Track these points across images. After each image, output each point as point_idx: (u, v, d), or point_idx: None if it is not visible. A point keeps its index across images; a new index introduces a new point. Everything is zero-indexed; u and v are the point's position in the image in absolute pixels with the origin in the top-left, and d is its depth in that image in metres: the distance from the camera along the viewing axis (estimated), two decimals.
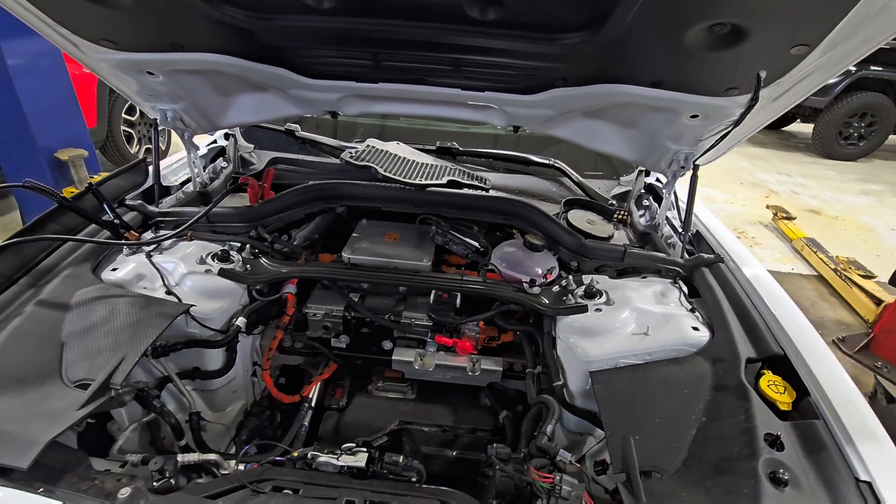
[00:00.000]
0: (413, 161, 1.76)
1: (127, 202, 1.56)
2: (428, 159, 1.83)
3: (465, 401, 1.64)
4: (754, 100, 1.15)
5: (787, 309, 1.27)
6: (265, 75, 1.34)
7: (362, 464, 1.04)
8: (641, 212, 1.83)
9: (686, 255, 1.54)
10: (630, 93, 1.23)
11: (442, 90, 1.37)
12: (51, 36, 1.24)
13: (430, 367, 1.50)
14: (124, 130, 4.75)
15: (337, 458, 1.05)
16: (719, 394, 1.09)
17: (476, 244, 1.57)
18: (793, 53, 0.99)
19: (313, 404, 1.60)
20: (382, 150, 1.77)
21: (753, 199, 5.54)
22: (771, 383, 1.10)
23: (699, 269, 1.45)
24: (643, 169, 1.92)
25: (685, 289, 1.42)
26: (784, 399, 1.07)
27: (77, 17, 1.14)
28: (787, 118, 8.06)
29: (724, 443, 0.99)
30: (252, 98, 1.53)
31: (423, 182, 1.62)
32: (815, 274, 4.02)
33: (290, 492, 0.97)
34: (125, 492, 0.92)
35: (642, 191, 1.92)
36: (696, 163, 1.48)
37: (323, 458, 1.05)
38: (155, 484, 0.97)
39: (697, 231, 1.67)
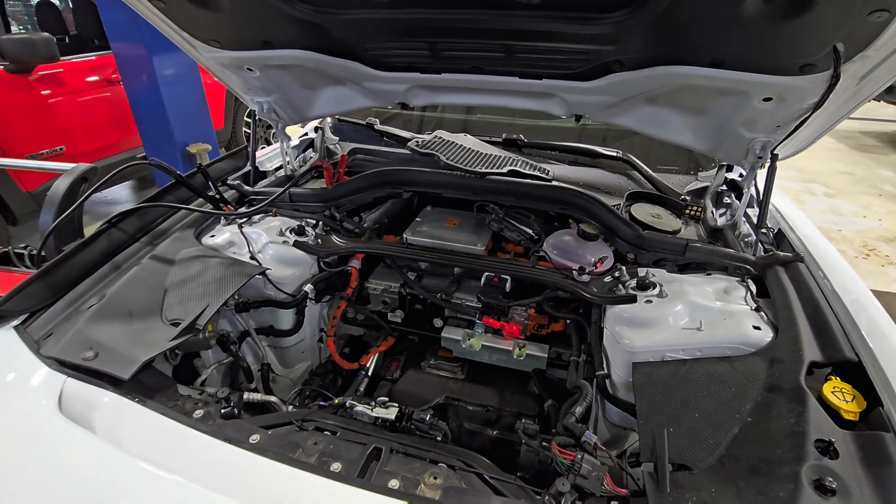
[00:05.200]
0: (477, 151, 1.82)
1: (228, 182, 1.82)
2: (493, 150, 1.88)
3: (512, 386, 1.66)
4: (835, 77, 1.04)
5: (872, 312, 1.12)
6: (340, 69, 1.49)
7: (392, 417, 1.13)
8: (722, 210, 1.70)
9: (762, 254, 1.42)
10: (690, 74, 1.18)
11: (500, 79, 1.41)
12: (177, 40, 1.50)
13: (476, 348, 1.54)
14: (245, 131, 5.43)
15: (371, 410, 1.14)
16: (771, 395, 1.00)
17: (530, 231, 1.59)
18: (871, 21, 0.89)
19: (370, 373, 1.73)
20: (448, 141, 1.85)
21: (893, 214, 4.76)
22: (836, 390, 0.99)
23: (773, 268, 1.33)
24: (724, 164, 1.79)
25: (753, 288, 1.31)
26: (850, 408, 0.96)
27: (191, 21, 1.38)
28: None
29: (768, 444, 0.91)
30: (332, 91, 1.70)
31: (483, 170, 1.68)
32: None
33: (329, 433, 1.08)
34: (199, 413, 1.10)
35: (724, 187, 1.79)
36: (775, 152, 1.36)
37: (359, 407, 1.15)
38: (222, 411, 1.14)
39: (780, 230, 1.52)
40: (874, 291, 1.23)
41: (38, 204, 3.52)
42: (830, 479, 0.81)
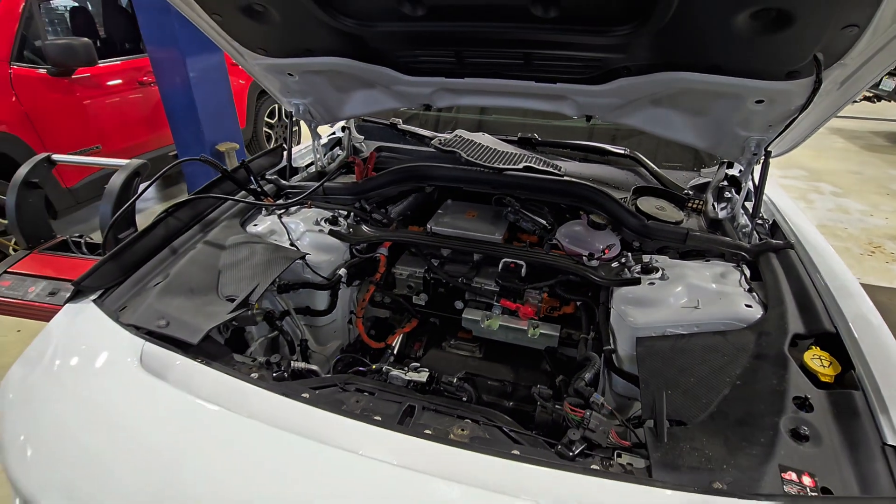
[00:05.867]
0: (494, 149, 1.97)
1: (266, 176, 1.99)
2: (509, 148, 2.03)
3: (526, 364, 1.81)
4: (818, 82, 1.18)
5: (850, 290, 1.25)
6: (373, 73, 1.65)
7: (423, 379, 1.28)
8: (723, 204, 1.83)
9: (757, 242, 1.55)
10: (690, 79, 1.32)
11: (518, 83, 1.56)
12: (226, 48, 1.67)
13: (494, 327, 1.69)
14: (265, 131, 5.63)
15: (405, 374, 1.30)
16: (758, 362, 1.14)
17: (543, 222, 1.74)
18: (845, 34, 1.03)
19: (395, 352, 1.88)
20: (468, 139, 2.01)
21: None
22: (815, 357, 1.12)
23: (765, 255, 1.47)
24: (725, 161, 1.92)
25: (747, 272, 1.44)
26: (827, 372, 1.09)
27: (242, 32, 1.55)
28: None
29: (752, 402, 1.05)
30: (363, 94, 1.86)
31: (500, 166, 1.83)
32: None
33: (368, 393, 1.24)
34: (255, 374, 1.26)
35: (725, 183, 1.91)
36: (768, 150, 1.49)
37: (394, 372, 1.31)
38: (274, 374, 1.30)
39: (775, 221, 1.65)
40: (878, 287, 1.35)
41: (76, 199, 3.74)
42: (805, 427, 0.95)
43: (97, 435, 1.05)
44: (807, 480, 0.88)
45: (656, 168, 1.97)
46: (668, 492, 0.88)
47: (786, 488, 0.87)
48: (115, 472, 0.98)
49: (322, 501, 0.89)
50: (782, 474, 0.89)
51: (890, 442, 0.91)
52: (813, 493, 0.86)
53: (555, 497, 0.88)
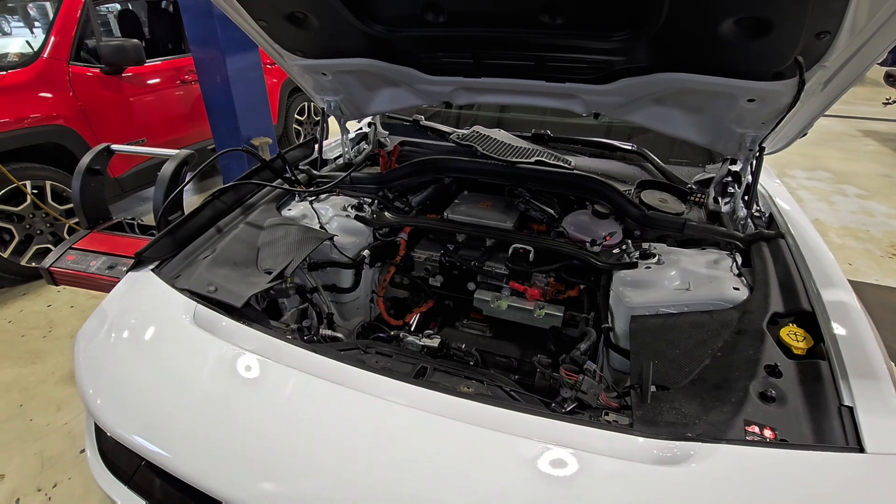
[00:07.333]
0: (509, 144, 2.12)
1: (300, 167, 2.18)
2: (522, 143, 2.17)
3: (532, 343, 1.95)
4: (801, 83, 1.29)
5: (829, 273, 1.36)
6: (398, 73, 1.81)
7: (435, 345, 1.44)
8: (727, 199, 1.93)
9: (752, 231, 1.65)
10: (686, 79, 1.44)
11: (531, 82, 1.70)
12: (268, 50, 1.86)
13: (503, 307, 1.84)
14: (295, 128, 5.90)
15: (419, 340, 1.46)
16: (738, 336, 1.25)
17: (552, 211, 1.87)
18: (820, 40, 1.14)
19: (413, 330, 2.04)
20: (485, 135, 2.15)
21: None
22: (791, 333, 1.23)
23: (757, 243, 1.57)
24: (729, 157, 2.01)
25: (739, 259, 1.55)
26: (800, 345, 1.20)
27: (284, 36, 1.74)
28: None
29: (729, 370, 1.17)
30: (388, 91, 2.03)
31: (514, 160, 1.97)
32: None
33: (386, 356, 1.40)
34: (289, 336, 1.43)
35: (728, 178, 2.01)
36: (762, 146, 1.59)
37: (410, 338, 1.47)
38: (304, 337, 1.48)
39: (771, 214, 1.75)
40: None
41: (122, 188, 4.03)
42: (772, 390, 1.07)
43: (158, 378, 1.24)
44: (767, 433, 1.00)
45: (661, 163, 2.08)
46: (641, 439, 1.01)
47: (748, 438, 0.99)
48: (173, 409, 1.17)
49: (347, 432, 1.06)
50: (746, 427, 1.01)
51: (846, 403, 1.02)
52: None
53: (544, 438, 1.02)
